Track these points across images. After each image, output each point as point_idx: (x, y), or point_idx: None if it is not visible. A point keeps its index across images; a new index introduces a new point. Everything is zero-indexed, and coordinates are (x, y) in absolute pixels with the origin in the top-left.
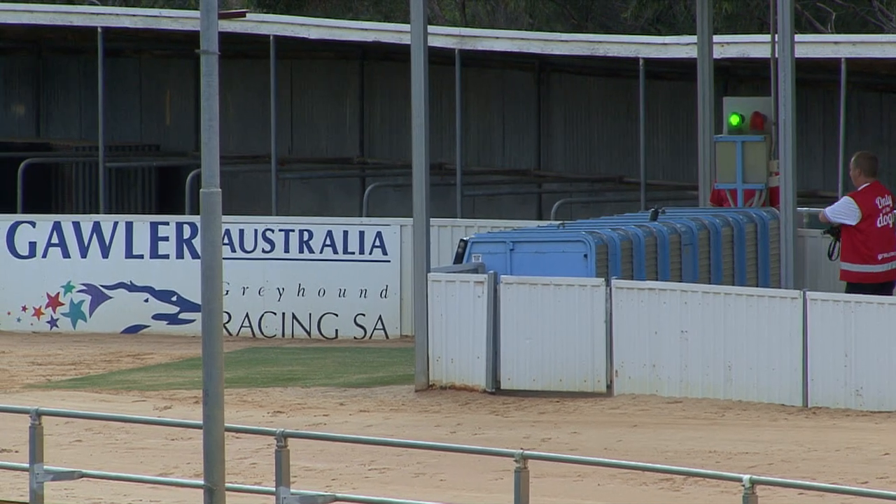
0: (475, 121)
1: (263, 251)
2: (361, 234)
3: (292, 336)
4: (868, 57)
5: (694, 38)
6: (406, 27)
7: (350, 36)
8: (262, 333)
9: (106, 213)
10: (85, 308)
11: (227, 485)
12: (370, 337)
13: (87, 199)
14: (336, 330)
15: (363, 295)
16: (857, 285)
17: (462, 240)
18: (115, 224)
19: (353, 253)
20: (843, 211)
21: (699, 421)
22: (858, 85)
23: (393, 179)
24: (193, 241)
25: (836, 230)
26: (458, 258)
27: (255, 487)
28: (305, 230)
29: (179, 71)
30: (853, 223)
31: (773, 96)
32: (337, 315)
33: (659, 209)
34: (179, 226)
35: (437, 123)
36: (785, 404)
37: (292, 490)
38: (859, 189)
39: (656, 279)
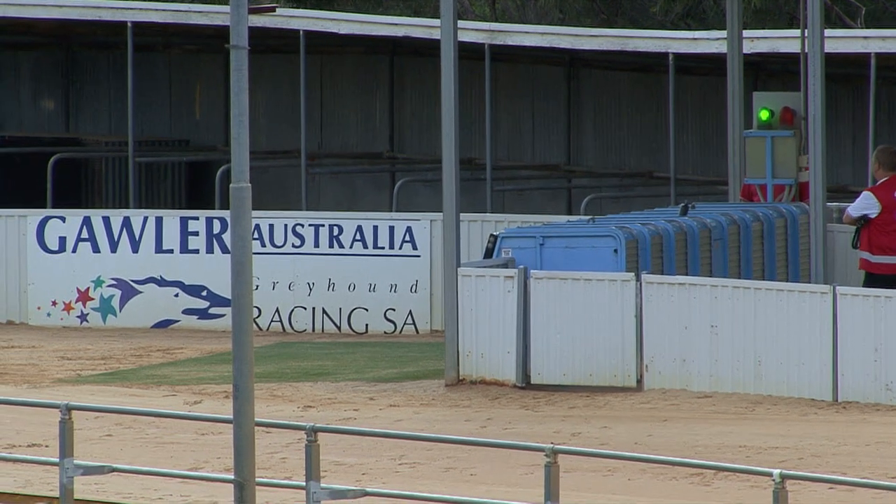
0: (505, 116)
1: (293, 246)
2: (391, 228)
3: (322, 331)
4: None
5: (724, 33)
6: (436, 22)
7: (380, 31)
8: (293, 328)
9: (136, 208)
10: (115, 303)
11: (258, 479)
12: (400, 332)
13: (116, 194)
14: (366, 325)
15: (393, 290)
16: (875, 276)
17: (492, 234)
18: (145, 219)
19: (383, 248)
20: (864, 204)
21: (729, 416)
22: (888, 80)
23: (423, 174)
24: (223, 235)
25: (862, 221)
26: (488, 253)
27: (286, 482)
28: (335, 225)
29: (209, 66)
30: (875, 214)
31: (802, 91)
32: (367, 310)
33: (689, 204)
34: (209, 221)
35: (466, 118)
36: (815, 399)
37: (322, 485)
38: (878, 183)
39: (686, 274)
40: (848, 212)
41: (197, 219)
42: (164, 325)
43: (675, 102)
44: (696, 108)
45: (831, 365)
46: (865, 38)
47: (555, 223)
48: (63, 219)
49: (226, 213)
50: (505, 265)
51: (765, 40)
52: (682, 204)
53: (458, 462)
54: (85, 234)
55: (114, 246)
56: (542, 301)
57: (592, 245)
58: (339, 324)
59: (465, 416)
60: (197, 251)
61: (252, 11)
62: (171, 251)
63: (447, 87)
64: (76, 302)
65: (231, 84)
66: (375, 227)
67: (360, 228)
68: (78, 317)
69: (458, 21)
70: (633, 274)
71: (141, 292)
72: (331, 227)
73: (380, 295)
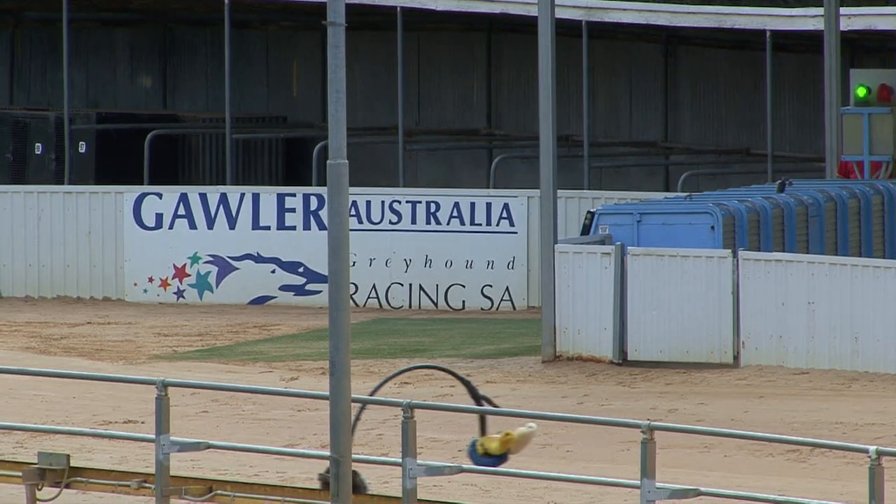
0: (602, 93)
1: (390, 222)
2: (488, 205)
3: (419, 307)
4: None
5: (821, 10)
6: None
7: (477, 7)
8: (389, 304)
9: (233, 185)
10: (211, 279)
11: (354, 456)
12: (497, 308)
13: (213, 171)
14: (463, 301)
15: (490, 266)
16: None
17: (589, 211)
18: (242, 195)
19: (480, 224)
20: None
21: (825, 392)
22: None
23: (520, 151)
24: (320, 212)
25: None
26: (585, 230)
27: (382, 458)
28: (432, 202)
29: (306, 42)
30: None
31: None
32: (464, 286)
33: (786, 181)
34: (306, 197)
35: (563, 95)
36: None
37: (419, 461)
38: None
39: (783, 251)
40: None
41: (294, 195)
42: (260, 301)
43: (773, 79)
44: (793, 85)
45: None
46: None
47: (652, 200)
48: (160, 195)
49: (323, 190)
50: (602, 242)
51: (861, 17)
52: (780, 181)
53: (555, 438)
54: (182, 211)
55: (210, 222)
56: (639, 277)
57: (689, 222)
58: (435, 300)
59: (561, 392)
60: (294, 228)
61: None
62: (267, 228)
63: (544, 63)
64: (173, 278)
65: (328, 61)
66: (472, 204)
67: (457, 205)
68: (174, 293)
69: None
70: (729, 251)
71: (237, 269)
72: (428, 203)
73: (477, 271)
